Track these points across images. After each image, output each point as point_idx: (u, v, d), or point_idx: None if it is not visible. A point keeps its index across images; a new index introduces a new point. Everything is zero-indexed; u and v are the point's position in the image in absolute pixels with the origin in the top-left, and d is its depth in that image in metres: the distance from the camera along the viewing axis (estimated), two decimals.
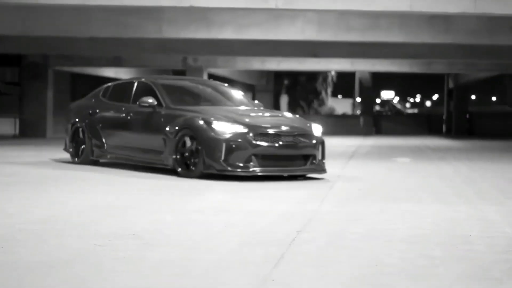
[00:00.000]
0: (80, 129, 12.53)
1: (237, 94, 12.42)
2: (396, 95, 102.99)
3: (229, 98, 12.09)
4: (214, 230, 5.98)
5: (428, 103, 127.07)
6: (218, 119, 10.25)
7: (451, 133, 43.87)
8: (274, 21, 19.24)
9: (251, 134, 10.11)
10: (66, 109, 13.66)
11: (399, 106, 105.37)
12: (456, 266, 4.67)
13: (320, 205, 7.74)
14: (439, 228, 6.31)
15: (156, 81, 11.65)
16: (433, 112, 68.36)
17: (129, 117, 11.61)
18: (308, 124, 10.89)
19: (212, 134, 10.13)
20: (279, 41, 22.05)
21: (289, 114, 11.49)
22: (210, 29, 19.51)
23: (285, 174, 10.48)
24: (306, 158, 10.55)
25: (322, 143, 10.78)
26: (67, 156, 13.48)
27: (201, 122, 10.26)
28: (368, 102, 43.31)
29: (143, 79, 11.98)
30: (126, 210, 7.14)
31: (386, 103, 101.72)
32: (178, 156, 10.45)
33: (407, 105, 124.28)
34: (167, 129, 10.64)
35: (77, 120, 12.67)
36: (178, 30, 19.62)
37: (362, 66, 31.36)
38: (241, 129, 10.16)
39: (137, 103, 11.35)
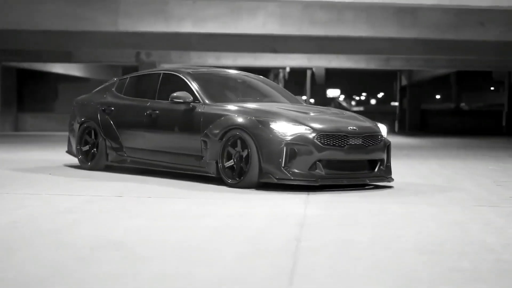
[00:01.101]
0: (92, 129, 10.89)
1: (279, 88, 10.98)
2: (341, 93, 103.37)
3: (271, 93, 10.59)
4: (204, 238, 5.31)
5: (373, 101, 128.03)
6: (276, 118, 8.68)
7: (404, 130, 43.79)
8: (234, 14, 18.58)
9: (316, 136, 8.54)
10: (70, 105, 11.81)
11: (344, 104, 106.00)
12: (502, 283, 4.08)
13: (304, 209, 7.11)
14: (449, 234, 5.73)
15: (189, 73, 10.03)
16: (378, 110, 68.57)
17: (155, 115, 9.96)
18: (375, 123, 9.41)
19: (271, 136, 8.51)
20: (238, 35, 21.40)
21: (347, 112, 9.86)
22: (168, 22, 18.76)
23: (351, 183, 8.85)
24: (374, 163, 9.05)
25: (389, 145, 9.32)
26: (68, 158, 12.12)
27: (255, 121, 8.67)
28: (320, 100, 42.97)
29: (170, 70, 10.32)
30: (100, 215, 6.42)
31: (331, 101, 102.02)
32: (225, 163, 8.85)
33: (353, 103, 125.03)
34: (209, 129, 9.04)
35: (86, 118, 10.98)
36: (134, 23, 18.82)
37: (319, 62, 30.86)
38: (304, 130, 8.57)
39: (169, 99, 9.62)
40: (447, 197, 8.25)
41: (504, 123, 40.78)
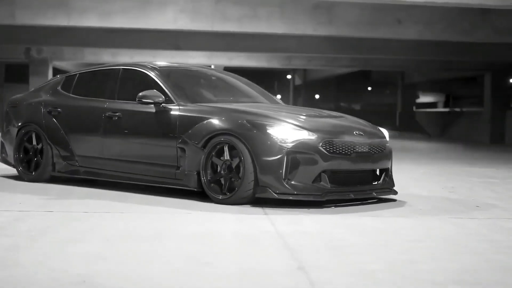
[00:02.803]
0: (34, 134, 9.40)
1: (255, 87, 9.56)
2: None
3: (250, 92, 9.28)
4: (177, 266, 4.38)
5: None
6: (273, 121, 7.42)
7: None
8: (143, 8, 17.46)
9: (321, 143, 7.36)
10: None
11: None
12: None
13: (270, 225, 6.26)
14: (480, 257, 5.00)
15: (156, 68, 8.63)
16: None
17: (116, 118, 8.52)
18: (377, 128, 8.34)
19: (269, 142, 7.25)
20: (143, 31, 20.28)
21: (344, 115, 8.60)
22: (70, 15, 17.44)
23: (358, 197, 7.71)
24: (379, 173, 8.00)
25: (391, 152, 8.27)
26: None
27: (248, 125, 7.40)
28: None
29: (132, 66, 8.90)
30: (42, 238, 5.38)
31: None
32: (209, 175, 7.59)
33: None
34: (188, 135, 7.75)
35: (26, 121, 9.47)
36: (33, 16, 17.39)
37: (219, 61, 29.94)
38: (307, 135, 7.37)
39: (136, 99, 8.20)
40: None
41: (397, 123, 41.09)
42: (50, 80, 10.02)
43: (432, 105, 49.59)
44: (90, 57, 29.56)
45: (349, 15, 17.25)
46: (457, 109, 41.23)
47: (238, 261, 4.70)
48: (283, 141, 7.26)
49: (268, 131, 7.33)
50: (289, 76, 50.76)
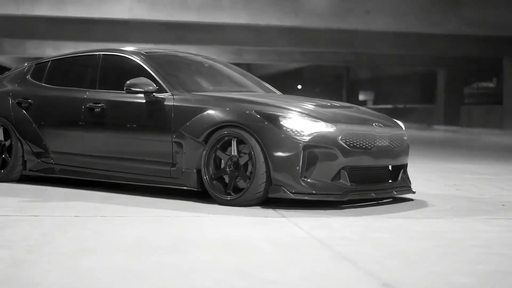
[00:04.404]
0: (1, 128, 8.35)
1: (249, 75, 8.67)
2: None
3: (244, 81, 8.38)
4: (233, 283, 3.59)
5: None
6: (287, 112, 6.58)
7: None
8: None
9: (340, 136, 6.54)
10: None
11: None
12: None
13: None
14: None
15: (143, 53, 7.67)
16: None
17: (98, 110, 7.57)
18: (393, 120, 7.50)
19: (283, 136, 6.40)
20: (93, 21, 19.28)
21: (357, 106, 7.77)
22: (20, 3, 16.33)
23: (379, 196, 6.92)
24: (396, 170, 7.18)
25: (409, 147, 7.44)
26: None
27: (258, 117, 6.53)
28: None
29: (115, 51, 7.89)
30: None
31: None
32: (211, 172, 6.74)
33: None
34: (186, 128, 6.86)
35: None
36: None
37: None
38: (325, 127, 6.52)
39: (124, 88, 7.19)
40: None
41: None
42: (15, 69, 8.96)
43: (375, 101, 49.47)
44: (31, 51, 28.35)
45: (316, 6, 16.55)
46: (400, 106, 41.11)
47: (302, 275, 3.91)
48: (298, 134, 6.42)
49: (281, 122, 6.48)
50: None
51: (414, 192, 7.33)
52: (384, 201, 7.19)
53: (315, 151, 6.42)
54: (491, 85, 32.16)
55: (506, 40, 21.52)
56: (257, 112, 6.61)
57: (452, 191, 8.30)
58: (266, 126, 6.48)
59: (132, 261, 4.21)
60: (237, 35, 22.75)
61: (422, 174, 10.50)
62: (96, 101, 7.66)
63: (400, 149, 7.15)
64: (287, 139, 6.41)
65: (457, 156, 15.64)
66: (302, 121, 6.52)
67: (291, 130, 6.44)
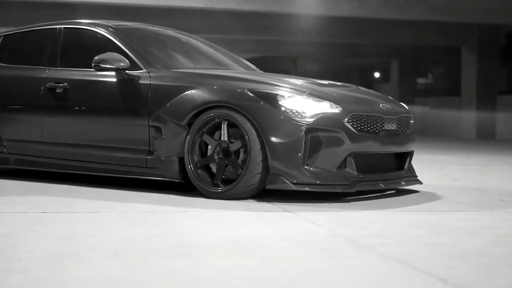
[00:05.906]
0: None
1: (226, 52, 7.70)
2: None
3: (222, 59, 7.43)
4: None
5: None
6: (285, 90, 5.71)
7: None
8: None
9: (347, 118, 5.69)
10: None
11: None
12: None
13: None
14: None
15: (110, 26, 6.73)
16: None
17: (61, 90, 6.60)
18: (398, 101, 6.67)
19: (282, 117, 5.53)
20: (37, 4, 18.09)
21: (358, 86, 6.83)
22: None
23: (388, 187, 6.10)
24: (403, 157, 6.37)
25: (415, 133, 6.66)
26: None
27: (252, 96, 5.63)
28: None
29: (77, 24, 6.90)
30: None
31: None
32: (196, 160, 5.86)
33: None
34: (165, 110, 5.95)
35: None
36: None
37: None
38: (329, 107, 5.66)
39: (92, 64, 6.19)
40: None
41: None
42: None
43: None
44: None
45: None
46: None
47: (359, 285, 3.06)
48: (300, 116, 5.57)
49: (280, 102, 5.61)
50: None
51: (421, 183, 6.54)
52: (387, 193, 6.41)
53: (319, 135, 5.58)
54: (448, 75, 31.80)
55: (466, 27, 20.99)
56: (251, 90, 5.72)
57: (452, 183, 7.57)
58: (262, 106, 5.61)
59: (129, 269, 3.31)
60: (187, 22, 21.71)
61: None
62: (58, 81, 6.72)
63: (407, 135, 6.35)
64: (287, 122, 5.56)
65: (420, 148, 15.13)
66: (303, 101, 5.66)
67: (291, 111, 5.60)
